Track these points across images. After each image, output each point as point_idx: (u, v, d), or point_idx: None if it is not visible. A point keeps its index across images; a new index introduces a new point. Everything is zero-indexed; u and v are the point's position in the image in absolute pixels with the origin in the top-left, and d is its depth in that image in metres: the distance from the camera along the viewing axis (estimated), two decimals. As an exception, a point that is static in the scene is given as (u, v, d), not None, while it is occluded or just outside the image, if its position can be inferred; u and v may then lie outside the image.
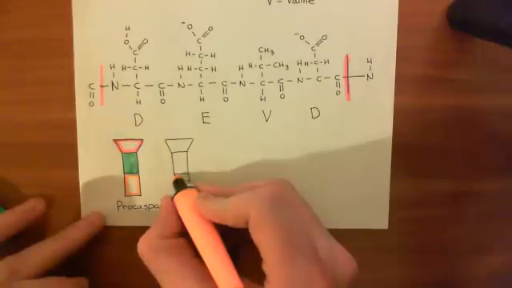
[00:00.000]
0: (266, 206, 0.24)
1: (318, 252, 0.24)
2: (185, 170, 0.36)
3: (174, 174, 0.35)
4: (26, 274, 0.30)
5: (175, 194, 0.31)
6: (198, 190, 0.31)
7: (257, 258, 0.24)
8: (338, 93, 0.35)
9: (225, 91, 0.35)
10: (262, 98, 0.35)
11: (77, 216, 0.36)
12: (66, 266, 0.33)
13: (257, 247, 0.24)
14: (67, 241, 0.33)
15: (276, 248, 0.23)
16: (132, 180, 0.36)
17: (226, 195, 0.27)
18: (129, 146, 0.36)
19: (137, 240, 0.28)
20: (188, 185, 0.32)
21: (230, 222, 0.25)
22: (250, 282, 0.25)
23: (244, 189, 0.27)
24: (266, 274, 0.23)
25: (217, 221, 0.27)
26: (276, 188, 0.26)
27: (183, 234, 0.29)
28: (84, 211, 0.36)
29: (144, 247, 0.28)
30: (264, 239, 0.23)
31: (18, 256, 0.31)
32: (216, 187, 0.30)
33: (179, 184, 0.32)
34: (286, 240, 0.23)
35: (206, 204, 0.27)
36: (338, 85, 0.35)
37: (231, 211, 0.25)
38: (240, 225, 0.25)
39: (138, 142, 0.36)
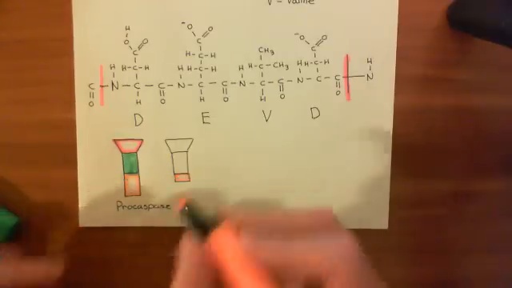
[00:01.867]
0: (357, 266, 0.20)
1: None
2: (185, 171, 0.35)
3: (180, 201, 0.22)
4: None
5: (209, 231, 0.21)
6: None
7: None
8: (338, 93, 0.35)
9: (225, 91, 0.35)
10: (262, 98, 0.35)
11: (76, 216, 0.36)
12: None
13: None
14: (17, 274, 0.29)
15: None
16: (132, 180, 0.36)
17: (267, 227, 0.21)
18: (129, 146, 0.36)
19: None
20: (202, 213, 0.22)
21: (301, 276, 0.19)
22: None
23: (298, 228, 0.21)
24: None
25: (280, 267, 0.20)
26: (354, 243, 0.22)
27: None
28: (83, 211, 0.36)
29: None
30: None
31: None
32: (252, 215, 0.22)
33: (196, 216, 0.21)
34: None
35: (267, 245, 0.20)
36: (337, 85, 0.35)
37: (301, 261, 0.19)
38: (308, 281, 0.20)
39: (138, 142, 0.36)
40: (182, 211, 0.22)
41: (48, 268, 0.30)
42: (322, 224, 0.22)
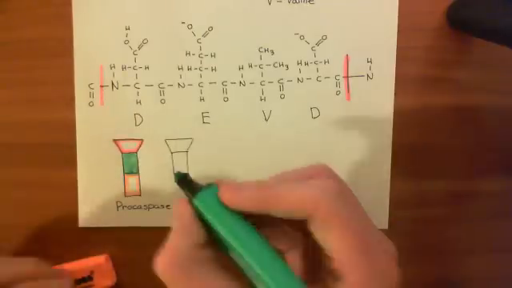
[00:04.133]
0: (338, 201, 0.22)
1: (383, 245, 0.23)
2: (185, 170, 0.35)
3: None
4: None
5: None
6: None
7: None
8: (338, 93, 0.35)
9: (225, 91, 0.35)
10: (262, 97, 0.35)
11: (76, 216, 0.36)
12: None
13: (322, 245, 0.22)
14: None
15: (352, 245, 0.21)
16: (132, 180, 0.36)
17: (260, 190, 0.23)
18: (129, 146, 0.36)
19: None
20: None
21: (282, 210, 0.22)
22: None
23: (287, 179, 0.24)
24: (341, 273, 0.21)
25: (261, 210, 0.22)
26: (339, 181, 0.24)
27: (209, 243, 0.24)
28: (83, 211, 0.36)
29: (167, 264, 0.22)
30: (337, 237, 0.21)
31: None
32: (243, 182, 0.24)
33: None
34: (362, 235, 0.22)
35: (243, 192, 0.23)
36: (337, 85, 0.35)
37: (288, 199, 0.22)
38: (293, 216, 0.22)
39: (137, 142, 0.36)
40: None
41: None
42: (314, 174, 0.24)
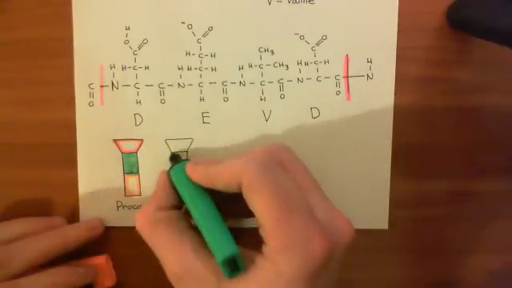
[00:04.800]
0: (260, 168, 0.23)
1: (315, 213, 0.24)
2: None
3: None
4: (13, 268, 0.30)
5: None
6: None
7: (253, 229, 0.24)
8: (338, 93, 0.35)
9: (225, 91, 0.35)
10: (262, 98, 0.35)
11: (76, 216, 0.36)
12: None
13: (253, 212, 0.23)
14: (64, 239, 0.33)
15: (271, 209, 0.22)
16: (132, 180, 0.36)
17: (206, 168, 0.27)
18: (129, 146, 0.36)
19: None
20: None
21: (221, 185, 0.25)
22: (248, 250, 0.25)
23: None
24: (264, 237, 0.23)
25: (209, 185, 0.26)
26: (270, 150, 0.26)
27: (179, 206, 0.30)
28: (83, 212, 0.36)
29: (142, 221, 0.28)
30: (259, 201, 0.23)
31: (8, 249, 0.30)
32: (210, 158, 0.29)
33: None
34: (282, 200, 0.23)
35: (197, 169, 0.27)
36: (337, 85, 0.35)
37: (224, 174, 0.25)
38: (233, 189, 0.25)
39: (137, 142, 0.36)
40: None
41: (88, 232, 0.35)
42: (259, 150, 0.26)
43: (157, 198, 0.29)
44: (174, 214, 0.29)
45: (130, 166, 0.36)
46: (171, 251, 0.26)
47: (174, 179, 0.30)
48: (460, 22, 0.33)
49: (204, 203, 0.27)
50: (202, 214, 0.27)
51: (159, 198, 0.29)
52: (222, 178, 0.25)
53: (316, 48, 0.35)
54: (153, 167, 0.36)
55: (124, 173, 0.36)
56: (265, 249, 0.23)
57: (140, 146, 0.36)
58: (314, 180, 0.27)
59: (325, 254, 0.22)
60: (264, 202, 0.23)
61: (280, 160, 0.26)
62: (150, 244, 0.28)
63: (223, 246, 0.24)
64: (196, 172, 0.27)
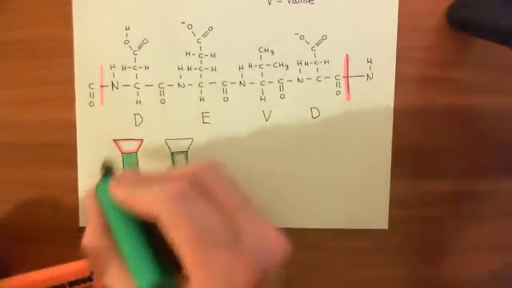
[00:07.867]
0: (173, 200, 0.22)
1: (242, 238, 0.22)
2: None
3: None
4: None
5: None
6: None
7: None
8: (338, 93, 0.35)
9: (225, 91, 0.35)
10: (262, 97, 0.35)
11: (76, 216, 0.36)
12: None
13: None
14: None
15: (188, 244, 0.21)
16: (132, 180, 0.36)
17: (125, 191, 0.24)
18: (129, 146, 0.36)
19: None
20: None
21: (138, 214, 0.23)
22: (181, 277, 0.23)
23: (149, 180, 0.25)
24: (186, 272, 0.21)
25: (129, 211, 0.24)
26: (194, 171, 0.24)
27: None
28: (83, 212, 0.36)
29: (87, 246, 0.25)
30: (174, 237, 0.21)
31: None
32: (139, 174, 0.26)
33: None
34: (199, 234, 0.21)
35: (119, 190, 0.24)
36: (337, 85, 0.35)
37: (138, 203, 0.23)
38: (151, 219, 0.23)
39: (137, 142, 0.36)
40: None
41: None
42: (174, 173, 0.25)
43: (90, 219, 0.25)
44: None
45: (130, 166, 0.36)
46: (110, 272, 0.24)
47: (98, 196, 0.26)
48: (460, 22, 0.33)
49: (128, 226, 0.24)
50: (125, 240, 0.24)
51: (93, 222, 0.25)
52: (137, 206, 0.23)
53: (316, 48, 0.35)
54: (153, 167, 0.36)
55: (124, 173, 0.36)
56: (188, 285, 0.21)
57: (140, 145, 0.36)
58: (244, 198, 0.24)
59: (250, 284, 0.21)
60: (180, 237, 0.21)
61: (203, 182, 0.24)
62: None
63: (143, 274, 0.23)
64: (118, 192, 0.24)
